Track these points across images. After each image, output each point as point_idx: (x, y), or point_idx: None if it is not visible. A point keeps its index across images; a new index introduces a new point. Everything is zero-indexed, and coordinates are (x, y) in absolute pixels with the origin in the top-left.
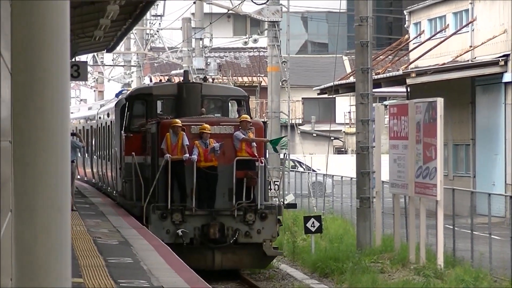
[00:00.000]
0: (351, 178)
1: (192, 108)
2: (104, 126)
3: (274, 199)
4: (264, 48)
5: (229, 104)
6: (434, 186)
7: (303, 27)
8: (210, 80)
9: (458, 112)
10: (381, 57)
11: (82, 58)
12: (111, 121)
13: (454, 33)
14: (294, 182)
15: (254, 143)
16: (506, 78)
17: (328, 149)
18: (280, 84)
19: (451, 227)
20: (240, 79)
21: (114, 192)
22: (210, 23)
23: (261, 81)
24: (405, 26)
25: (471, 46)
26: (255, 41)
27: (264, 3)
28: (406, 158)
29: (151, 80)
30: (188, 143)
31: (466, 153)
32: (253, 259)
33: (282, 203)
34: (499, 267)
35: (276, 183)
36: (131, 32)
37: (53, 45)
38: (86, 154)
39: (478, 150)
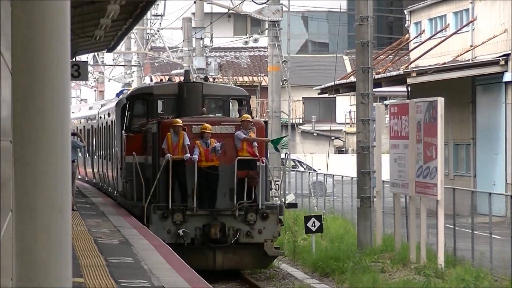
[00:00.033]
0: (352, 177)
1: (193, 107)
2: (105, 126)
3: (274, 198)
4: (264, 47)
5: (230, 103)
6: (435, 186)
7: (303, 27)
8: (211, 79)
9: (458, 111)
10: (381, 56)
11: (82, 57)
12: (111, 121)
13: (455, 33)
14: (295, 181)
15: (255, 142)
16: (507, 77)
17: (328, 148)
18: (281, 84)
19: (452, 226)
20: (240, 78)
21: (115, 192)
22: (211, 22)
23: (262, 81)
24: (406, 25)
25: (471, 46)
26: (256, 40)
27: (265, 3)
28: (406, 157)
29: (151, 80)
30: (189, 143)
31: (466, 152)
32: (254, 259)
33: (283, 203)
34: (500, 267)
35: (276, 182)
36: (131, 31)
37: (53, 45)
38: (87, 154)
39: (479, 149)
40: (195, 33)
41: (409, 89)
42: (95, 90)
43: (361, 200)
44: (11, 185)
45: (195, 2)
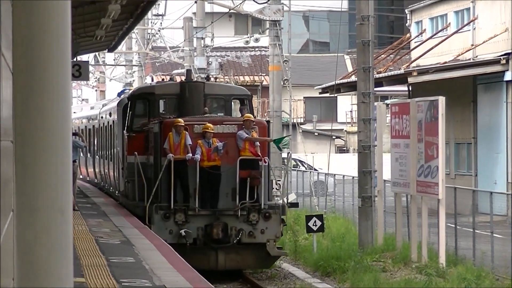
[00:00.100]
0: (353, 177)
1: (195, 107)
2: (106, 126)
3: (276, 198)
4: (265, 47)
5: (232, 103)
6: (436, 185)
7: (304, 26)
8: (213, 79)
9: (459, 110)
10: (382, 56)
11: (83, 57)
12: (113, 121)
13: (456, 32)
14: (296, 181)
15: (258, 142)
16: (508, 76)
17: (329, 148)
18: (282, 83)
19: (453, 225)
20: (241, 78)
21: (117, 192)
22: (212, 22)
23: (263, 80)
24: (407, 25)
25: (472, 45)
26: (257, 40)
27: (266, 2)
28: (407, 157)
29: (152, 80)
30: (191, 143)
31: (467, 151)
32: (257, 259)
33: (286, 202)
34: (501, 266)
35: (278, 182)
36: (132, 31)
37: (54, 45)
38: (89, 154)
39: (480, 148)
40: (196, 32)
41: (410, 89)
42: (96, 90)
43: (362, 199)
44: (12, 185)
45: (196, 2)
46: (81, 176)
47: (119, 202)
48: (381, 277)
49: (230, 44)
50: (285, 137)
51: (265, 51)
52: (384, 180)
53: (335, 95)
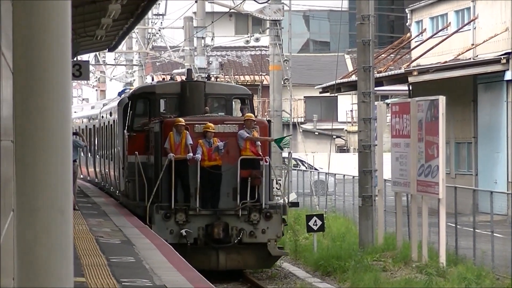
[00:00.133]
0: (353, 176)
1: (196, 106)
2: (106, 125)
3: (276, 197)
4: (266, 46)
5: (233, 102)
6: (436, 184)
7: (304, 26)
8: (214, 78)
9: (460, 110)
10: (383, 55)
11: (84, 57)
12: (113, 120)
13: (456, 31)
14: (296, 180)
15: (259, 142)
16: (508, 76)
17: (330, 147)
18: (282, 83)
19: (453, 225)
20: (242, 78)
21: (117, 191)
22: (212, 22)
23: (263, 80)
24: (407, 24)
25: (473, 44)
26: (257, 40)
27: (266, 2)
28: (408, 156)
29: (153, 79)
30: (191, 142)
31: (468, 151)
32: (258, 259)
33: (287, 202)
34: (501, 265)
35: (278, 181)
36: (133, 31)
37: (54, 44)
38: (89, 154)
39: (480, 148)
40: (197, 32)
41: (410, 88)
42: (96, 90)
43: (363, 199)
44: (12, 185)
45: (196, 2)
46: (81, 176)
47: (119, 202)
48: (382, 277)
49: (230, 43)
50: (286, 136)
51: (265, 50)
52: (385, 180)
53: (336, 94)
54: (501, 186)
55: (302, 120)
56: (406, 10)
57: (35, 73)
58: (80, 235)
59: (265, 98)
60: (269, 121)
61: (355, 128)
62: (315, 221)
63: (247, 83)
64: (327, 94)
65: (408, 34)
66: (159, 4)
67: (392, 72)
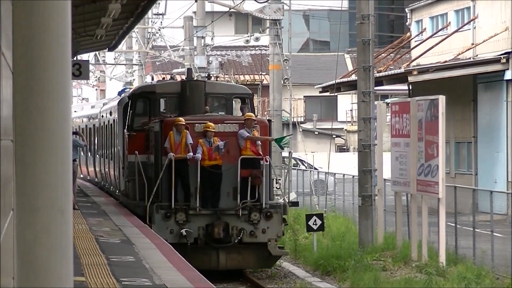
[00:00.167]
0: (353, 176)
1: (196, 106)
2: (106, 125)
3: (276, 197)
4: (265, 46)
5: (233, 102)
6: (436, 184)
7: (304, 25)
8: (214, 78)
9: (460, 109)
10: (383, 55)
11: (83, 56)
12: (113, 120)
13: (456, 31)
14: (296, 180)
15: (259, 141)
16: (508, 75)
17: (330, 147)
18: (282, 82)
19: (453, 224)
20: (241, 77)
21: (117, 191)
22: (212, 21)
23: (263, 80)
24: (407, 24)
25: (472, 44)
26: (257, 39)
27: (266, 1)
28: (408, 156)
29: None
30: (191, 142)
31: (468, 150)
32: (258, 259)
33: (287, 202)
34: (501, 265)
35: (278, 180)
36: (132, 30)
37: (54, 44)
38: (89, 153)
39: (480, 147)
40: (196, 32)
41: (410, 87)
42: (96, 89)
43: (363, 198)
44: (12, 185)
45: (196, 1)
46: (81, 175)
47: (119, 201)
48: (381, 276)
49: (230, 43)
50: (286, 136)
51: (265, 50)
52: (384, 179)
53: (335, 94)
54: (501, 185)
55: (302, 120)
56: (406, 9)
57: (35, 73)
58: (80, 235)
59: (265, 98)
60: (269, 121)
61: (355, 128)
62: (315, 220)
63: (247, 83)
64: (327, 94)
65: (408, 34)
66: (159, 3)
67: (392, 72)
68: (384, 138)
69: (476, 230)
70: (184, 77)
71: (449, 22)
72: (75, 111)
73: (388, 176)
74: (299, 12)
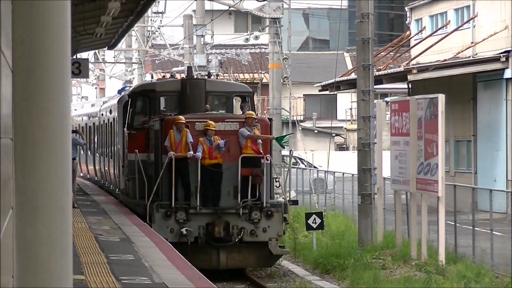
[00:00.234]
0: (353, 174)
1: (196, 104)
2: (106, 123)
3: (275, 196)
4: (265, 45)
5: (234, 100)
6: (436, 182)
7: (304, 24)
8: (214, 76)
9: (459, 108)
10: (382, 53)
11: (83, 55)
12: (113, 118)
13: (456, 30)
14: (296, 178)
15: (260, 140)
16: (507, 74)
17: (329, 145)
18: (282, 81)
19: (453, 223)
20: (241, 76)
21: (117, 190)
22: (211, 20)
23: (262, 78)
24: (407, 22)
25: (472, 42)
26: (256, 38)
27: (265, 0)
28: (407, 154)
29: (152, 77)
30: (192, 140)
31: (467, 149)
32: (259, 258)
33: (288, 200)
34: (501, 264)
35: (277, 180)
36: (132, 29)
37: (53, 43)
38: (89, 152)
39: (480, 146)
40: (196, 30)
41: (410, 86)
42: (96, 88)
43: (362, 197)
44: (12, 183)
45: (195, 0)
46: (81, 174)
47: (119, 200)
48: (381, 275)
49: (230, 41)
50: (287, 135)
51: (265, 48)
52: (384, 178)
53: (335, 92)
54: (501, 184)
55: (302, 118)
56: (406, 8)
57: (35, 71)
58: (79, 233)
59: (264, 96)
60: (270, 119)
61: (355, 126)
62: (315, 219)
63: (247, 81)
64: (327, 92)
65: (408, 32)
66: (158, 2)
67: (392, 70)
68: (384, 137)
69: (475, 228)
70: (184, 75)
71: (449, 21)
72: (75, 109)
73: (388, 175)
74: (298, 10)
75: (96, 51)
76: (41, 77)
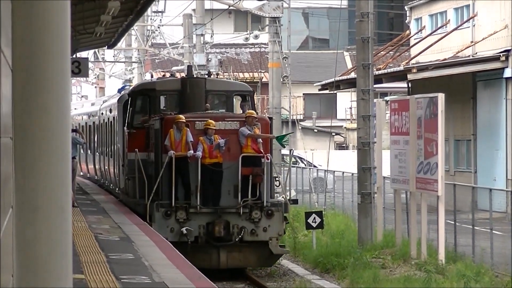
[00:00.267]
0: (352, 173)
1: (196, 103)
2: (106, 122)
3: (275, 195)
4: (265, 44)
5: (234, 99)
6: (435, 182)
7: (304, 23)
8: (215, 75)
9: (459, 107)
10: (382, 52)
11: (83, 54)
12: (113, 117)
13: (455, 29)
14: (296, 178)
15: (260, 139)
16: (507, 73)
17: (329, 144)
18: (281, 80)
19: (452, 222)
20: (241, 75)
21: (117, 189)
22: (211, 19)
23: (262, 77)
24: (406, 21)
25: (472, 42)
26: (256, 37)
27: None
28: (407, 153)
29: (152, 76)
30: (192, 139)
31: (467, 148)
32: (259, 257)
33: (288, 200)
34: (501, 263)
35: (277, 179)
36: (132, 28)
37: (53, 43)
38: (89, 151)
39: (479, 145)
40: (196, 29)
41: (409, 85)
42: (95, 87)
43: (362, 196)
44: (11, 182)
45: None
46: (81, 173)
47: (119, 199)
48: (381, 274)
49: (229, 41)
50: (287, 134)
51: (264, 48)
52: (384, 177)
53: (335, 91)
54: (500, 183)
55: (301, 117)
56: (405, 7)
57: (35, 71)
58: (79, 232)
59: (264, 95)
60: (270, 118)
61: (354, 125)
62: (314, 218)
63: (246, 80)
64: (326, 92)
65: (407, 32)
66: (158, 1)
67: (391, 70)
68: (384, 136)
69: (475, 228)
70: (183, 74)
71: (449, 20)
72: (75, 109)
73: (388, 174)
74: (298, 10)
75: (96, 50)
76: (41, 77)
